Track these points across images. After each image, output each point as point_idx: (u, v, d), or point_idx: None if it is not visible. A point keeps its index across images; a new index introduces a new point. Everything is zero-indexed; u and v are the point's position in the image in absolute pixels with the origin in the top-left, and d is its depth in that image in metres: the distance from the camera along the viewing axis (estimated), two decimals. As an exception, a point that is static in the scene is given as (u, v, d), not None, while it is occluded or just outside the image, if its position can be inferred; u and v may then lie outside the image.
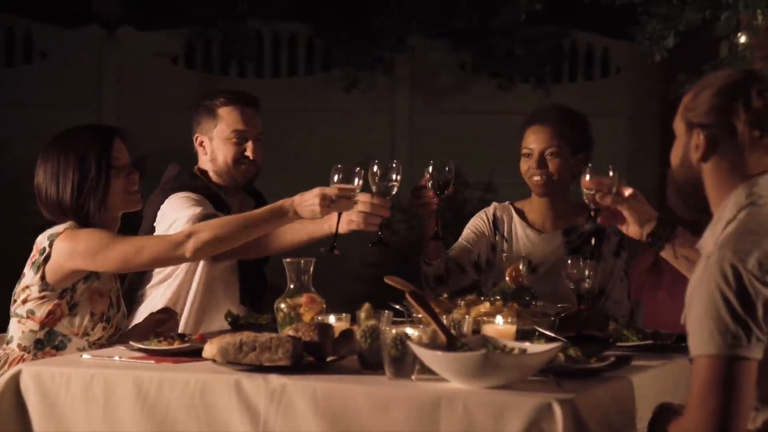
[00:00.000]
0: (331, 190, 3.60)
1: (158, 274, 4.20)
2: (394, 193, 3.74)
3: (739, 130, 2.67)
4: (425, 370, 2.91)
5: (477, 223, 4.35)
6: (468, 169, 9.54)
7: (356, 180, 3.63)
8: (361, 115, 11.41)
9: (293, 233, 3.99)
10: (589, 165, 3.56)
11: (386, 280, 3.60)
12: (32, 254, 3.68)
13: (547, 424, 2.66)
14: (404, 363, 2.91)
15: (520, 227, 4.31)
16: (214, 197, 4.22)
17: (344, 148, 11.01)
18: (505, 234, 4.31)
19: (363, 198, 3.70)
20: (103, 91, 11.37)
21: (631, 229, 3.47)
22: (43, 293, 3.63)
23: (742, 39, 8.41)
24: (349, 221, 3.75)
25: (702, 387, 2.49)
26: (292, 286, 3.49)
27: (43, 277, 3.62)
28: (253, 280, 4.29)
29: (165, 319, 3.84)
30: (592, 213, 3.53)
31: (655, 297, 5.47)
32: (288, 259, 3.53)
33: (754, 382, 2.51)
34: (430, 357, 2.83)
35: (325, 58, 11.61)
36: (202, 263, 4.13)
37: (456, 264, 4.21)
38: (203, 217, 3.95)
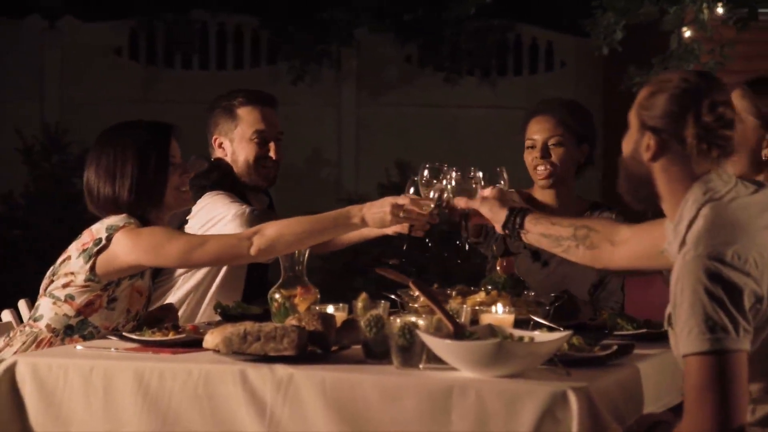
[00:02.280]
0: (404, 200, 3.55)
1: None
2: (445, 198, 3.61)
3: (688, 142, 2.70)
4: (431, 359, 2.90)
5: None
6: (415, 162, 9.50)
7: (432, 193, 3.57)
8: (307, 109, 11.36)
9: (349, 234, 3.96)
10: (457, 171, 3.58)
11: (378, 272, 3.59)
12: (83, 241, 3.57)
13: (561, 412, 2.65)
14: (412, 352, 2.89)
15: None
16: (241, 196, 4.16)
17: (291, 142, 10.93)
18: None
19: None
20: (46, 82, 11.22)
21: (494, 225, 3.49)
22: (88, 283, 3.53)
23: (687, 33, 8.52)
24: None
25: (697, 386, 2.50)
26: (286, 277, 3.46)
27: (92, 268, 3.53)
28: (257, 281, 4.22)
29: (163, 317, 3.77)
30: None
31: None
32: None
33: (746, 374, 2.52)
34: (441, 346, 2.82)
35: (272, 50, 11.56)
36: None
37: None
38: (256, 213, 3.91)
